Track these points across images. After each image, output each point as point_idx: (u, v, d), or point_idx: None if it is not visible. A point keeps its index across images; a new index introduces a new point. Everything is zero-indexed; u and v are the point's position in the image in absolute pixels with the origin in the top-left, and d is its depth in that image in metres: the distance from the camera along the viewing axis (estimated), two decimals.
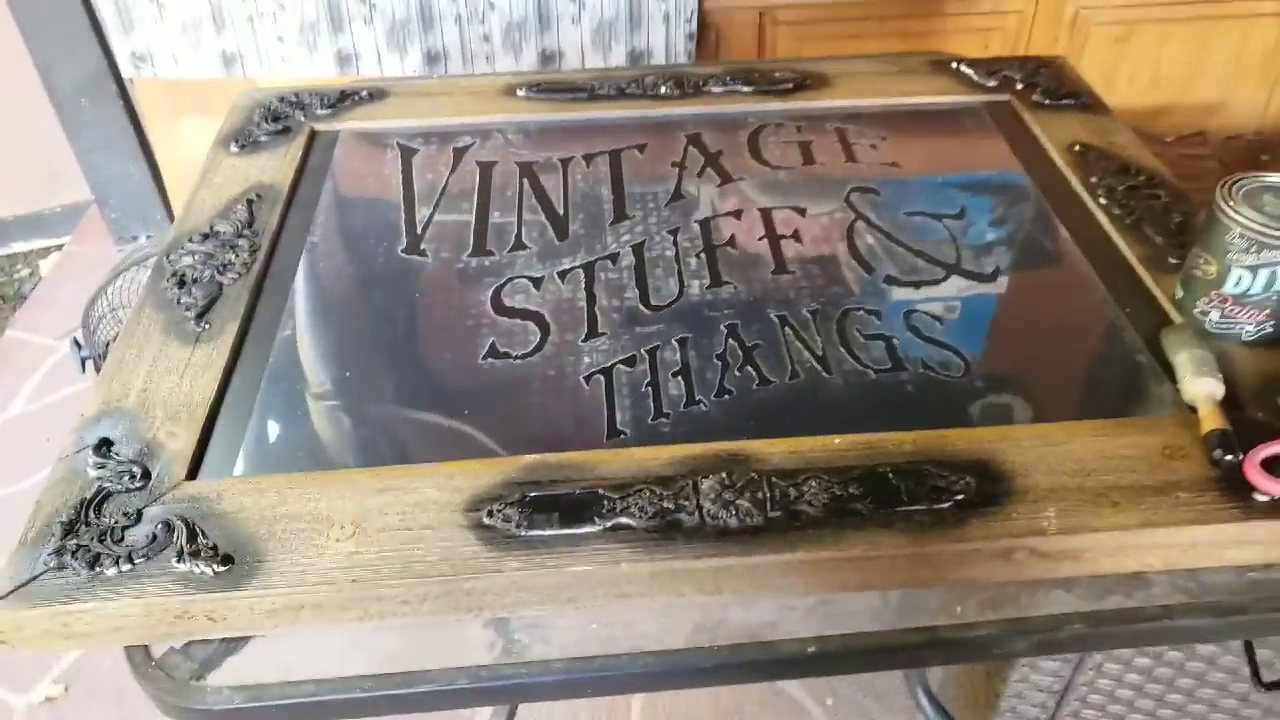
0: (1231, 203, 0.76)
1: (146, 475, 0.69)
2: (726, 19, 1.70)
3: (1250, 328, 0.78)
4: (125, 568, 0.63)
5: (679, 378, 0.78)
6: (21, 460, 1.70)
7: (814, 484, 0.67)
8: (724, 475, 0.67)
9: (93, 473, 0.69)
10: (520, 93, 1.13)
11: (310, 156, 1.05)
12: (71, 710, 1.38)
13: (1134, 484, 0.67)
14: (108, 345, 1.03)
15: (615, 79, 1.15)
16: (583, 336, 0.83)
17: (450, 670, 0.67)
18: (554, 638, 0.68)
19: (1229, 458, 0.67)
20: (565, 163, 1.04)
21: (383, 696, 0.66)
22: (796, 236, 0.94)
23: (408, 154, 1.07)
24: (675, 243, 0.93)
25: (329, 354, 0.84)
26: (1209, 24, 1.86)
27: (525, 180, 1.02)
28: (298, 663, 0.67)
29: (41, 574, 0.63)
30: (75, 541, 0.65)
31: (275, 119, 1.08)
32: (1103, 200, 0.96)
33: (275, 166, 1.02)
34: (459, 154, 1.06)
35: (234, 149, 1.05)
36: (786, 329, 0.83)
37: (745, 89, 1.13)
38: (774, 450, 0.70)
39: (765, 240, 0.94)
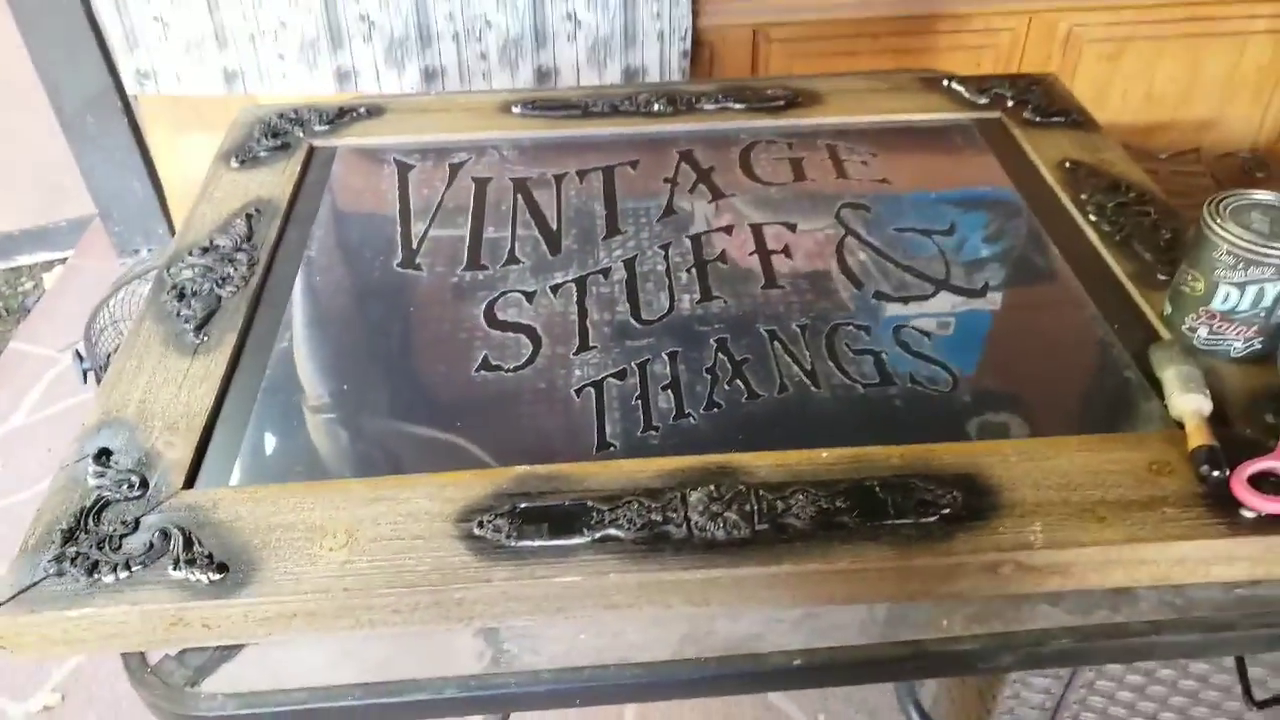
0: (1219, 220, 0.77)
1: (145, 484, 0.70)
2: (720, 37, 1.72)
3: (1238, 344, 0.79)
4: (123, 575, 0.64)
5: (668, 391, 0.79)
6: (24, 470, 1.71)
7: (801, 497, 0.67)
8: (712, 488, 0.68)
9: (92, 481, 0.70)
10: (516, 110, 1.15)
11: (309, 172, 1.07)
12: (69, 718, 1.38)
13: (1120, 499, 0.68)
14: (109, 357, 1.05)
15: (609, 96, 1.17)
16: (574, 350, 0.84)
17: (440, 680, 0.67)
18: (543, 648, 0.68)
19: (1216, 474, 0.68)
20: (559, 179, 1.06)
21: (373, 705, 0.67)
22: (787, 252, 0.95)
23: (404, 169, 1.08)
24: (666, 258, 0.94)
25: (325, 366, 0.85)
26: (1202, 41, 1.88)
27: (519, 196, 1.03)
28: (291, 670, 0.68)
29: (41, 580, 0.64)
30: (74, 549, 0.66)
31: (275, 135, 1.10)
32: (1092, 217, 0.97)
33: (274, 182, 1.04)
34: (455, 170, 1.08)
35: (234, 164, 1.06)
36: (776, 343, 0.84)
37: (737, 106, 1.15)
38: (762, 463, 0.71)
39: (756, 255, 0.95)
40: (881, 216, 1.00)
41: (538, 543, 0.65)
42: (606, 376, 0.81)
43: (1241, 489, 0.67)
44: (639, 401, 0.78)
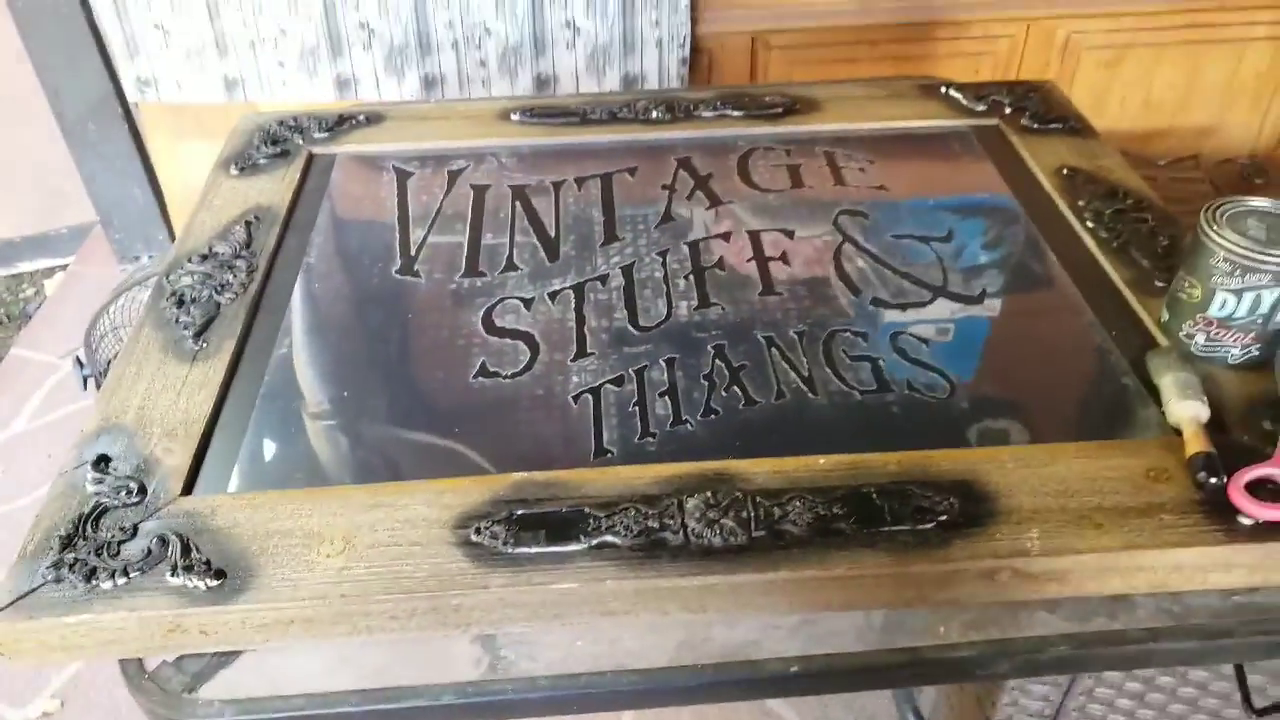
0: (1215, 226, 0.77)
1: (143, 491, 0.70)
2: (719, 44, 1.72)
3: (1236, 351, 0.79)
4: (121, 581, 0.64)
5: (666, 397, 0.79)
6: (24, 476, 1.72)
7: (798, 504, 0.68)
8: (709, 494, 0.68)
9: (91, 488, 0.71)
10: (514, 117, 1.15)
11: (308, 179, 1.07)
12: None
13: (1118, 506, 0.68)
14: (109, 363, 1.05)
15: (607, 104, 1.17)
16: (571, 356, 0.84)
17: (437, 686, 0.68)
18: (540, 654, 0.69)
19: (1213, 480, 0.68)
20: (557, 186, 1.06)
21: (371, 711, 0.67)
22: (784, 258, 0.95)
23: (403, 177, 1.08)
24: (664, 264, 0.94)
25: (323, 373, 0.85)
26: (1201, 48, 1.88)
27: (518, 203, 1.03)
28: (288, 677, 0.68)
29: (39, 587, 0.64)
30: (73, 555, 0.66)
31: (274, 142, 1.10)
32: (1090, 223, 0.97)
33: (273, 189, 1.04)
34: (453, 177, 1.08)
35: (233, 171, 1.06)
36: (773, 350, 0.84)
37: (735, 113, 1.15)
38: (759, 470, 0.71)
39: (753, 262, 0.95)
40: (879, 223, 1.00)
41: (535, 549, 0.66)
42: (604, 383, 0.81)
43: (1239, 496, 0.67)
44: (636, 408, 0.78)
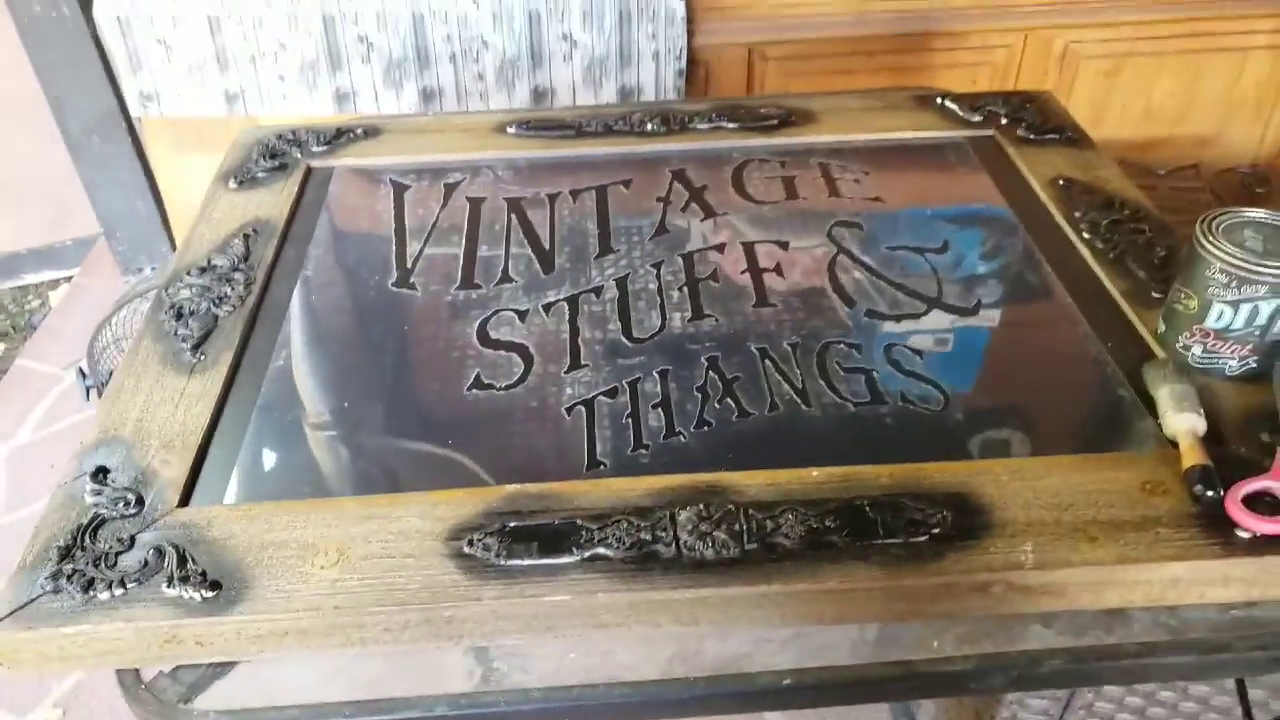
0: (1211, 238, 0.77)
1: (140, 502, 0.71)
2: (716, 56, 1.73)
3: (1233, 363, 0.79)
4: (118, 592, 0.65)
5: (659, 409, 0.79)
6: (28, 486, 1.72)
7: (790, 516, 0.67)
8: (701, 507, 0.68)
9: (89, 499, 0.71)
10: (510, 130, 1.16)
11: (306, 192, 1.08)
12: None
13: (1113, 519, 0.67)
14: (111, 374, 1.05)
15: (603, 116, 1.17)
16: (565, 368, 0.84)
17: (430, 698, 0.68)
18: (533, 666, 0.68)
19: (1210, 493, 0.67)
20: (552, 198, 1.06)
21: None
22: (779, 270, 0.95)
23: (400, 190, 1.09)
24: (658, 276, 0.95)
25: (319, 385, 0.85)
26: (1201, 57, 1.88)
27: (513, 215, 1.04)
28: (283, 688, 0.68)
29: (38, 597, 0.65)
30: (71, 566, 0.66)
31: (273, 156, 1.11)
32: (1086, 234, 0.97)
33: (272, 202, 1.05)
34: (450, 190, 1.08)
35: (233, 185, 1.07)
36: (766, 362, 0.84)
37: (730, 125, 1.16)
38: (751, 482, 0.71)
39: (748, 274, 0.95)
40: (874, 235, 1.00)
41: (527, 561, 0.66)
42: (597, 395, 0.81)
43: (1236, 509, 0.66)
44: (629, 420, 0.78)
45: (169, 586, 0.64)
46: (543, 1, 1.61)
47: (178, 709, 0.67)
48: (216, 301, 0.90)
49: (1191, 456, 0.70)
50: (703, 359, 0.84)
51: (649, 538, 0.66)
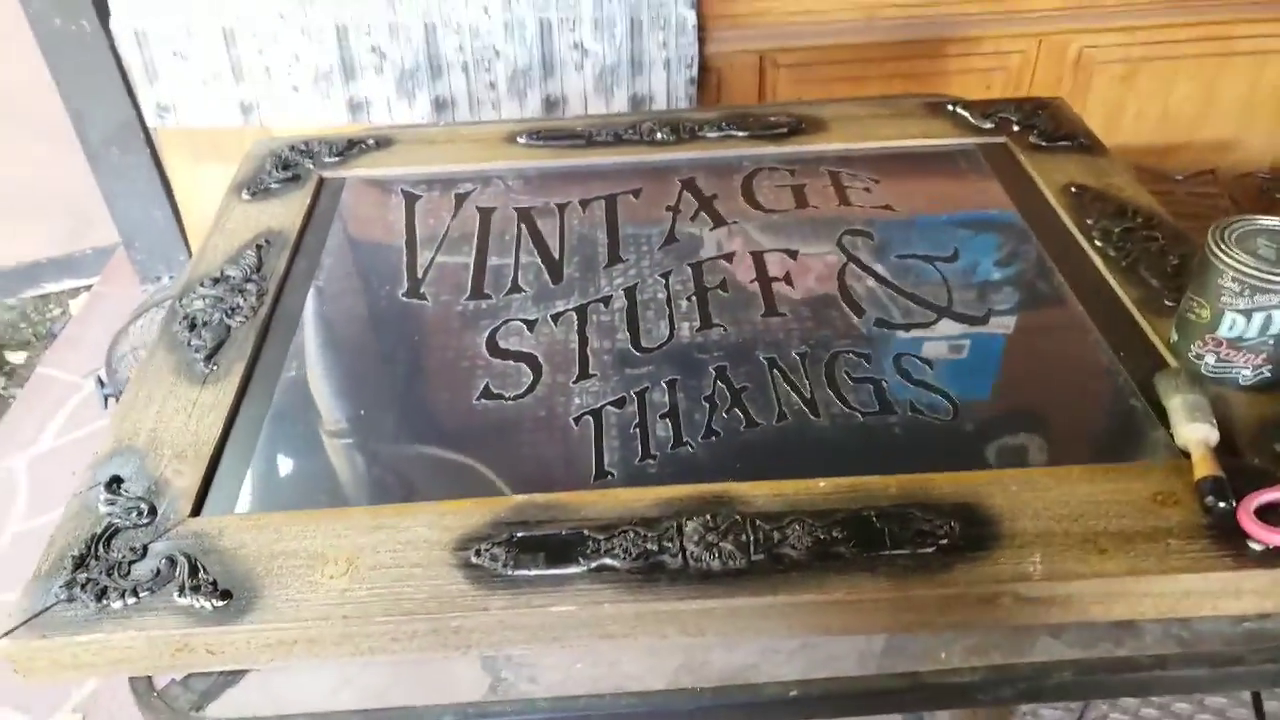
0: (1224, 246, 0.76)
1: (153, 512, 0.72)
2: (727, 63, 1.73)
3: (1247, 372, 0.78)
4: (130, 601, 0.65)
5: (667, 419, 0.79)
6: (49, 494, 1.75)
7: (797, 527, 0.67)
8: (708, 517, 0.68)
9: (103, 509, 0.72)
10: (521, 140, 1.16)
11: (318, 203, 1.09)
12: None
13: (1123, 530, 0.67)
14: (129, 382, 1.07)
15: (613, 125, 1.18)
16: (574, 378, 0.84)
17: (438, 707, 0.68)
18: (540, 676, 0.69)
19: (1222, 505, 0.67)
20: (562, 208, 1.07)
21: None
22: (788, 279, 0.95)
23: (411, 200, 1.10)
24: (667, 285, 0.95)
25: (330, 395, 0.86)
26: (1218, 61, 1.87)
27: (523, 225, 1.04)
28: (292, 697, 0.68)
29: (52, 606, 0.65)
30: (85, 575, 0.67)
31: (286, 167, 1.12)
32: (1098, 242, 0.96)
33: (284, 213, 1.06)
34: (460, 200, 1.09)
35: (246, 196, 1.08)
36: (775, 371, 0.84)
37: (740, 134, 1.16)
38: (758, 493, 0.71)
39: (756, 283, 0.95)
40: (884, 243, 1.00)
41: (534, 572, 0.66)
42: (605, 405, 0.81)
43: (1248, 520, 0.66)
44: (637, 430, 0.78)
45: (181, 595, 0.65)
46: (554, 11, 1.62)
47: (189, 717, 0.68)
48: (229, 312, 0.91)
49: (1203, 467, 0.69)
50: (711, 369, 0.84)
51: (655, 548, 0.66)
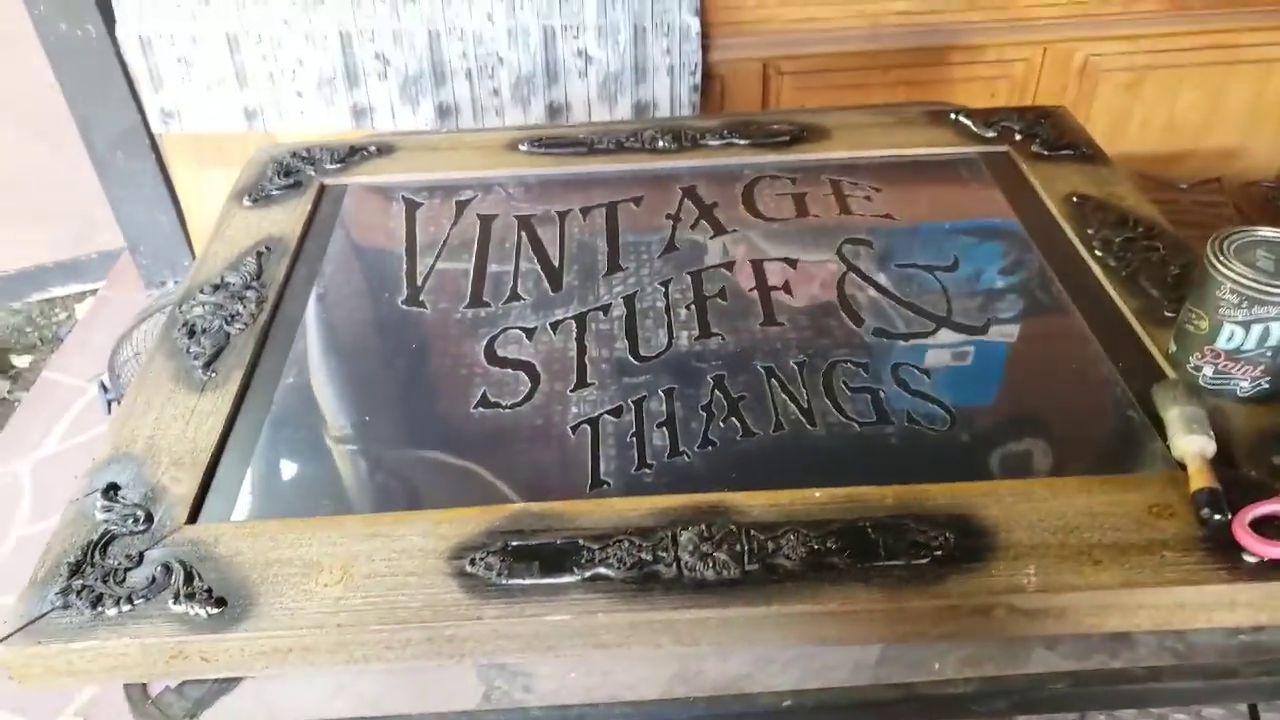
0: (1222, 257, 0.76)
1: (150, 519, 0.72)
2: (731, 71, 1.73)
3: (1245, 384, 0.78)
4: (125, 608, 0.66)
5: (664, 428, 0.79)
6: (52, 498, 1.75)
7: (792, 537, 0.67)
8: (703, 527, 0.68)
9: (100, 516, 0.72)
10: (522, 147, 1.17)
11: (319, 210, 1.09)
12: None
13: (1118, 542, 0.67)
14: None
15: (615, 133, 1.18)
16: (571, 386, 0.84)
17: (433, 715, 0.68)
18: (535, 685, 0.69)
19: (1217, 517, 0.67)
20: (562, 215, 1.07)
21: None
22: (787, 288, 0.95)
23: (412, 207, 1.10)
24: (666, 294, 0.95)
25: (327, 403, 0.86)
26: (1224, 69, 1.86)
27: (523, 233, 1.05)
28: (286, 705, 0.69)
29: (48, 613, 0.66)
30: (80, 582, 0.67)
31: (287, 174, 1.13)
32: (1099, 252, 0.96)
33: (285, 220, 1.06)
34: (461, 207, 1.09)
35: (247, 203, 1.09)
36: (773, 380, 0.84)
37: (742, 142, 1.16)
38: (754, 503, 0.71)
39: (756, 292, 0.95)
40: (884, 252, 1.00)
41: (528, 581, 0.66)
42: (603, 414, 0.81)
43: (1243, 533, 0.66)
44: (634, 439, 0.78)
45: (175, 603, 0.65)
46: (558, 18, 1.62)
47: None
48: (229, 319, 0.91)
49: (1200, 479, 0.69)
50: (709, 377, 0.84)
51: (650, 558, 0.67)
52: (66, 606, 0.66)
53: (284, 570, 0.68)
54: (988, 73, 1.79)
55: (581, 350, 0.88)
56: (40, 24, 1.77)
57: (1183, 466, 0.72)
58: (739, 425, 0.79)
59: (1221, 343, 0.77)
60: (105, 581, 0.67)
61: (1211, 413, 0.74)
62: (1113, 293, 0.91)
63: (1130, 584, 0.64)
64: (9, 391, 2.07)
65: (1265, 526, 0.66)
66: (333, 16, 1.62)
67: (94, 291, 2.29)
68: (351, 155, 1.16)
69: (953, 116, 1.20)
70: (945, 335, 0.89)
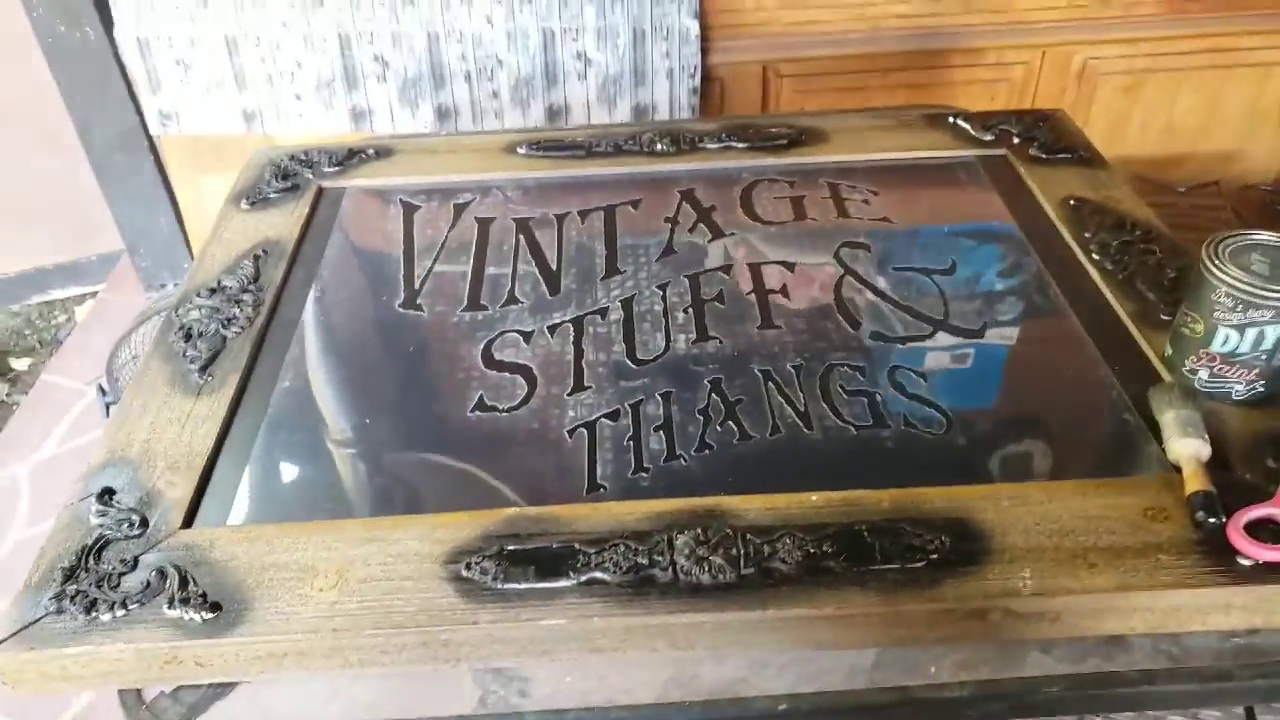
0: (1217, 261, 0.76)
1: (145, 523, 0.72)
2: (730, 73, 1.73)
3: (1240, 387, 0.78)
4: (119, 613, 0.66)
5: (660, 432, 0.79)
6: (51, 501, 1.75)
7: (788, 541, 0.67)
8: (699, 531, 0.68)
9: (94, 520, 0.72)
10: (521, 150, 1.17)
11: (317, 213, 1.09)
12: None
13: (1113, 545, 0.67)
14: None
15: (613, 136, 1.18)
16: (568, 390, 0.84)
17: None
18: (530, 689, 0.69)
19: (1211, 520, 0.67)
20: (561, 219, 1.07)
21: None
22: (785, 292, 0.95)
23: (410, 210, 1.10)
24: (664, 297, 0.95)
25: (324, 406, 0.86)
26: (1223, 72, 1.86)
27: (521, 236, 1.05)
28: (282, 710, 0.69)
29: (41, 618, 0.66)
30: (74, 587, 0.67)
31: (285, 177, 1.13)
32: (1095, 255, 0.96)
33: (283, 223, 1.06)
34: (459, 210, 1.09)
35: (244, 206, 1.09)
36: (770, 384, 0.84)
37: (740, 145, 1.16)
38: (750, 506, 0.71)
39: (753, 295, 0.95)
40: (881, 256, 1.00)
41: (524, 585, 0.66)
42: (599, 417, 0.81)
43: (1238, 536, 0.66)
44: (631, 443, 0.78)
45: (170, 608, 0.65)
46: (557, 20, 1.63)
47: None
48: (225, 323, 0.91)
49: (1195, 482, 0.69)
50: (706, 381, 0.84)
51: (646, 562, 0.67)
52: (60, 612, 0.66)
53: (279, 575, 0.68)
54: (987, 76, 1.79)
55: (579, 354, 0.88)
56: (39, 26, 1.77)
57: (1178, 470, 0.72)
58: (736, 429, 0.79)
59: (1216, 346, 0.77)
60: (99, 586, 0.67)
61: (1207, 416, 0.74)
62: (1109, 296, 0.91)
63: (1125, 587, 0.64)
64: (8, 394, 2.07)
65: (1260, 530, 0.66)
66: (331, 19, 1.62)
67: (94, 294, 2.29)
68: (349, 158, 1.16)
69: (951, 120, 1.20)
70: (942, 339, 0.89)
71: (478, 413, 0.83)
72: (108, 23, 1.70)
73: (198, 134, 1.74)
